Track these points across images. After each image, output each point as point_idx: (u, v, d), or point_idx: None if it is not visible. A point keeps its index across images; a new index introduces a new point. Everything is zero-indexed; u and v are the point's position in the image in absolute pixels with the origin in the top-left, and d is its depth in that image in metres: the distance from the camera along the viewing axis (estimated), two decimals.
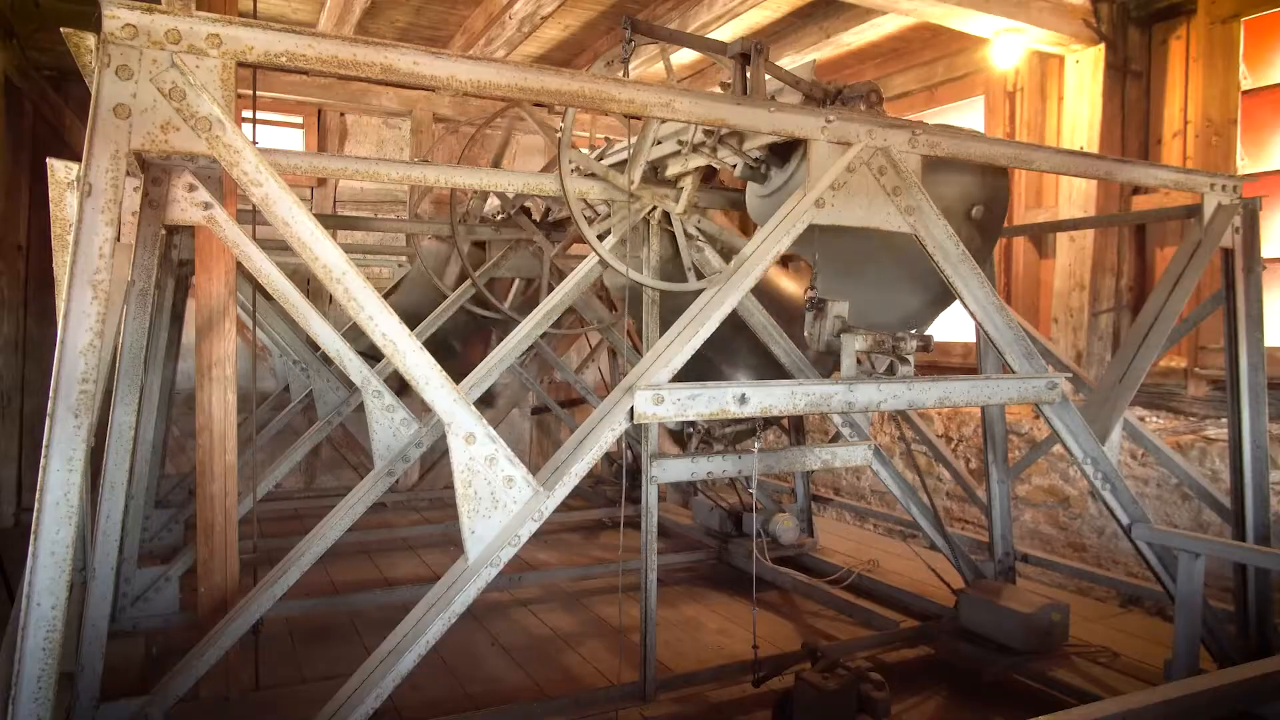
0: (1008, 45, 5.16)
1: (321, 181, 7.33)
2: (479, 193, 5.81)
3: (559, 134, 3.05)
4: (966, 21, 4.98)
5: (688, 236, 3.74)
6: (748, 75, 2.95)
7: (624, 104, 2.33)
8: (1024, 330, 2.91)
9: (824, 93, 3.13)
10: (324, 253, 2.00)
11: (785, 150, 3.27)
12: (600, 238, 3.67)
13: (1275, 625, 3.47)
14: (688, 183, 3.61)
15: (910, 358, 2.66)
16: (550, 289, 5.57)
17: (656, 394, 2.25)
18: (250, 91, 3.61)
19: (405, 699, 3.47)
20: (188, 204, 2.29)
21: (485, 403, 7.15)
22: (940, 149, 2.82)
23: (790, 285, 4.37)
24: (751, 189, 3.52)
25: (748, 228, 6.43)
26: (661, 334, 2.53)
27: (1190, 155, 4.89)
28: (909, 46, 6.47)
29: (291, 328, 5.09)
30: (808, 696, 2.92)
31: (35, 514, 1.66)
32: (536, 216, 5.73)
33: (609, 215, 3.85)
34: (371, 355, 4.02)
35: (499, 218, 5.88)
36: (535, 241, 5.54)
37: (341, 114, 7.54)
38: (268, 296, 4.12)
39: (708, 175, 3.75)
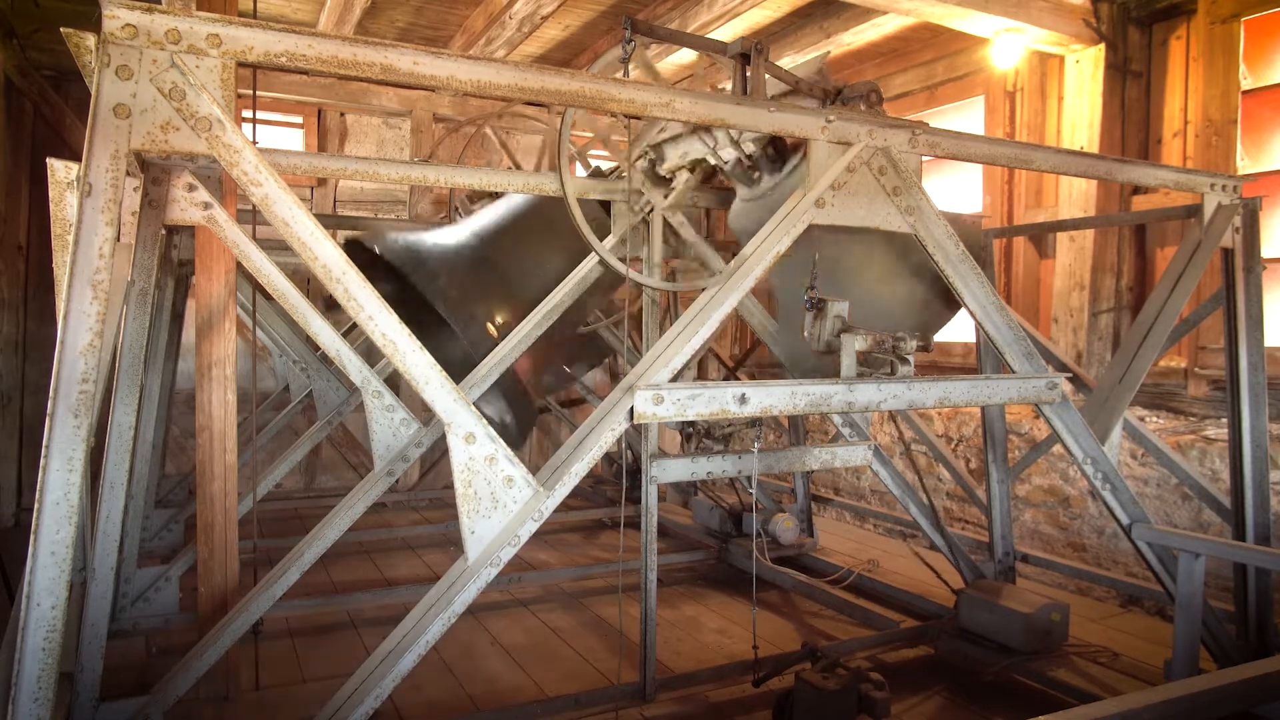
0: (1008, 45, 5.16)
1: (321, 181, 7.33)
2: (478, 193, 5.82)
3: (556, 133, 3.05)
4: (966, 21, 4.98)
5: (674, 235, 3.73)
6: (748, 75, 2.95)
7: (624, 104, 2.33)
8: (1024, 330, 2.91)
9: (824, 92, 3.13)
10: (324, 253, 2.00)
11: (780, 156, 3.26)
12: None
13: (1275, 625, 3.48)
14: (681, 181, 3.60)
15: (910, 358, 2.66)
16: None
17: (656, 394, 2.25)
18: (250, 91, 3.61)
19: (405, 699, 3.47)
20: (188, 204, 2.29)
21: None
22: (940, 149, 2.82)
23: None
24: (738, 193, 3.50)
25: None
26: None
27: (1190, 155, 4.89)
28: (909, 46, 6.47)
29: (291, 328, 5.09)
30: (808, 696, 2.91)
31: (35, 514, 1.66)
32: None
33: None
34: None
35: None
36: None
37: (341, 114, 7.53)
38: (268, 296, 4.11)
39: (708, 176, 3.75)
